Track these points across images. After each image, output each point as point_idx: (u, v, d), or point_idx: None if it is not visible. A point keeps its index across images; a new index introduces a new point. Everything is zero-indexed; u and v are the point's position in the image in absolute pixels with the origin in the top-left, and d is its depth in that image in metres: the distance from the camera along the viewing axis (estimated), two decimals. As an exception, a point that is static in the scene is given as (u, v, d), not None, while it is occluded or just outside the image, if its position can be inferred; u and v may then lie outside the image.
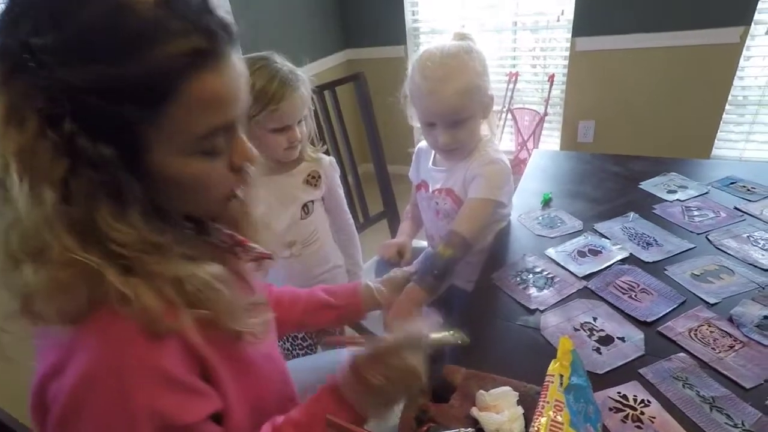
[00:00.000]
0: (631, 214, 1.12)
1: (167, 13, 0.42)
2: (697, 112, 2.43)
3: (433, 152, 1.18)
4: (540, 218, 1.17)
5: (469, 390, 0.67)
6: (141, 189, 0.46)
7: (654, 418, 0.65)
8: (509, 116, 2.75)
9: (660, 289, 0.88)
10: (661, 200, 1.18)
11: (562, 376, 0.60)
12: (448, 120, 0.99)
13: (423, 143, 1.22)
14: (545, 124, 2.70)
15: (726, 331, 0.77)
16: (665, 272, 0.92)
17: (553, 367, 0.62)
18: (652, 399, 0.68)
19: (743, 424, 0.63)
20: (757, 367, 0.70)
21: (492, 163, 1.04)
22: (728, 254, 0.95)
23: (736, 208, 1.10)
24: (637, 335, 0.79)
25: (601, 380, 0.71)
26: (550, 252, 1.03)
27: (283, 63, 1.03)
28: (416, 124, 1.09)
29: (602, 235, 1.06)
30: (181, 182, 0.49)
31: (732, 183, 1.21)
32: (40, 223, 0.41)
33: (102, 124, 0.42)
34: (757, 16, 2.14)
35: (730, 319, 0.79)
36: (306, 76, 1.07)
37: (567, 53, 2.56)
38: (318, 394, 0.61)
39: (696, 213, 1.10)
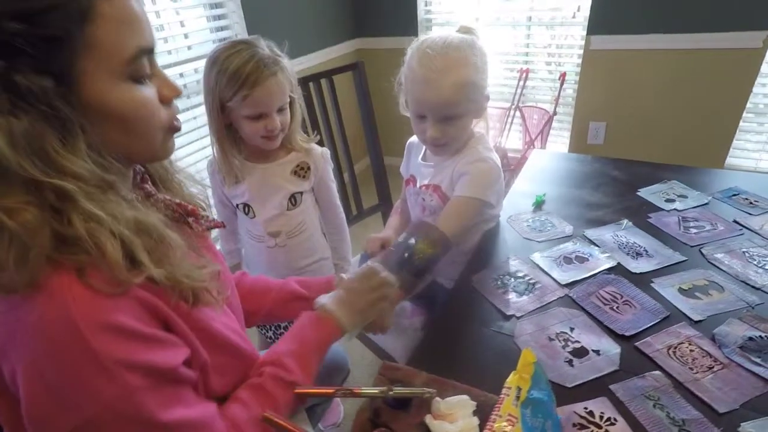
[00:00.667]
0: (625, 222, 1.08)
1: None
2: (712, 118, 2.35)
3: (424, 147, 1.15)
4: (530, 221, 1.13)
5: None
6: (84, 122, 0.46)
7: (618, 437, 0.62)
8: (517, 114, 2.69)
9: (644, 302, 0.84)
10: (658, 209, 1.13)
11: (520, 389, 0.58)
12: (439, 113, 0.96)
13: (414, 137, 1.18)
14: (555, 124, 2.63)
15: (707, 351, 0.74)
16: (652, 284, 0.88)
17: (512, 378, 0.59)
18: (619, 417, 0.65)
19: (710, 451, 0.60)
20: (735, 391, 0.67)
21: (481, 161, 1.00)
22: (720, 269, 0.91)
23: (735, 222, 1.05)
24: (614, 349, 0.75)
25: (569, 394, 0.68)
26: (535, 257, 0.99)
27: (267, 48, 1.01)
28: (407, 112, 1.06)
29: (591, 242, 1.02)
30: (121, 112, 0.49)
31: (734, 195, 1.16)
32: None
33: (31, 55, 0.42)
34: (782, 21, 2.05)
35: (713, 339, 0.75)
36: (289, 63, 1.04)
37: (581, 51, 2.49)
38: (299, 321, 0.71)
39: (692, 224, 1.06)
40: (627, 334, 0.78)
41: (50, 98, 0.43)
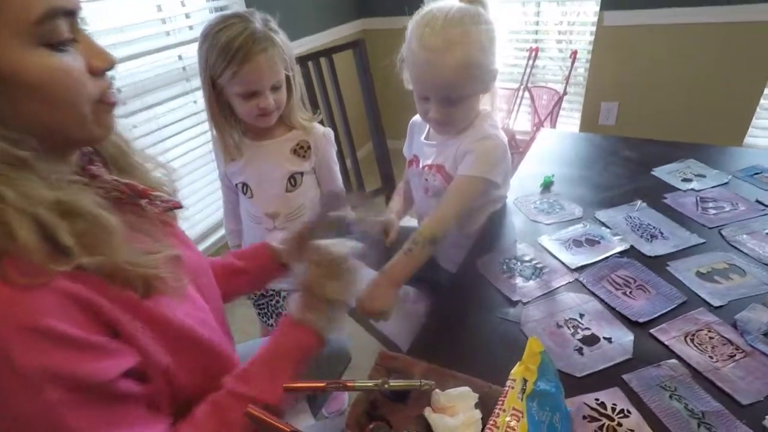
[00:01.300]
0: (638, 203, 1.02)
1: None
2: (732, 96, 2.24)
3: (427, 126, 1.10)
4: (537, 202, 1.08)
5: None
6: None
7: (632, 430, 0.58)
8: (526, 95, 2.61)
9: (659, 286, 0.79)
10: (674, 189, 1.07)
11: (525, 380, 0.53)
12: (441, 95, 0.90)
13: (418, 117, 1.13)
14: (565, 105, 2.55)
15: (727, 338, 0.69)
16: (667, 268, 0.83)
17: (517, 369, 0.55)
18: (632, 409, 0.60)
19: (733, 446, 0.55)
20: (758, 380, 0.62)
21: (486, 139, 0.95)
22: (742, 252, 0.85)
23: (758, 201, 0.99)
24: (626, 337, 0.71)
25: (578, 384, 0.64)
26: (543, 240, 0.94)
27: (261, 22, 0.96)
28: (411, 86, 1.00)
29: (603, 224, 0.97)
30: (34, 81, 0.43)
31: (757, 173, 1.09)
32: None
33: None
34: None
35: (734, 325, 0.70)
36: (285, 38, 0.99)
37: (593, 28, 2.39)
38: (277, 329, 0.65)
39: (711, 205, 1.00)
40: (641, 320, 0.73)
41: None
